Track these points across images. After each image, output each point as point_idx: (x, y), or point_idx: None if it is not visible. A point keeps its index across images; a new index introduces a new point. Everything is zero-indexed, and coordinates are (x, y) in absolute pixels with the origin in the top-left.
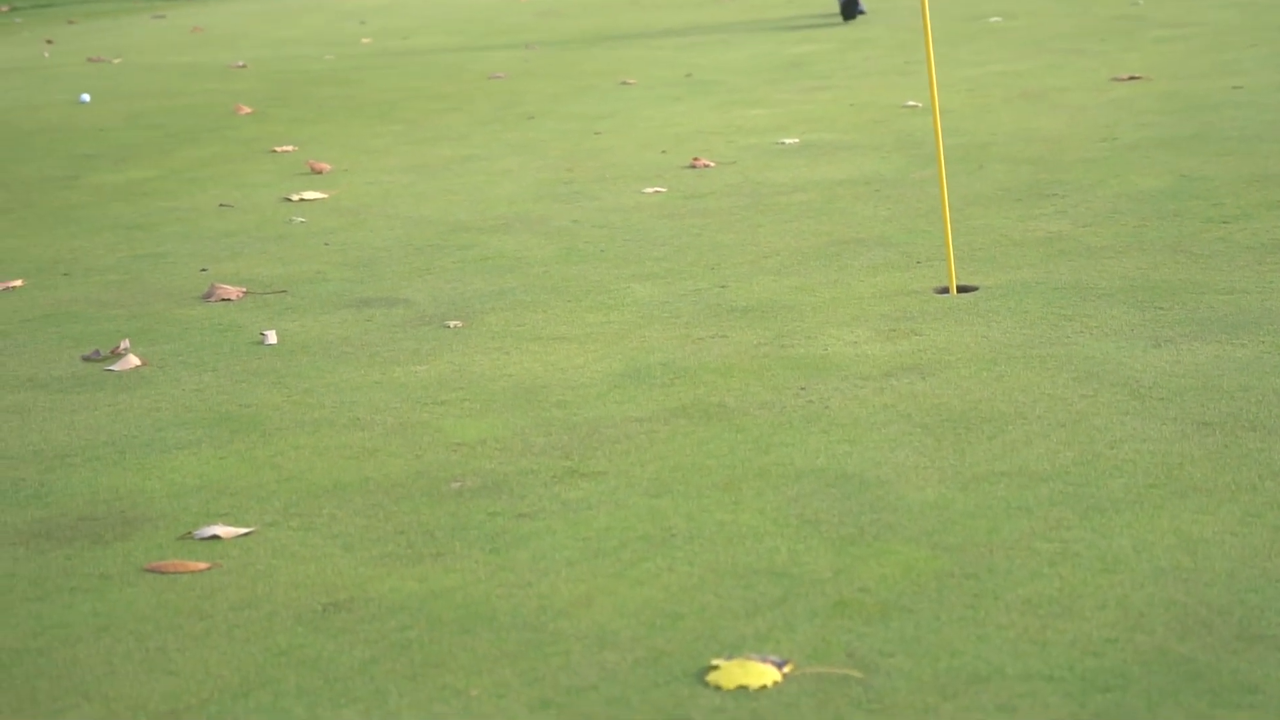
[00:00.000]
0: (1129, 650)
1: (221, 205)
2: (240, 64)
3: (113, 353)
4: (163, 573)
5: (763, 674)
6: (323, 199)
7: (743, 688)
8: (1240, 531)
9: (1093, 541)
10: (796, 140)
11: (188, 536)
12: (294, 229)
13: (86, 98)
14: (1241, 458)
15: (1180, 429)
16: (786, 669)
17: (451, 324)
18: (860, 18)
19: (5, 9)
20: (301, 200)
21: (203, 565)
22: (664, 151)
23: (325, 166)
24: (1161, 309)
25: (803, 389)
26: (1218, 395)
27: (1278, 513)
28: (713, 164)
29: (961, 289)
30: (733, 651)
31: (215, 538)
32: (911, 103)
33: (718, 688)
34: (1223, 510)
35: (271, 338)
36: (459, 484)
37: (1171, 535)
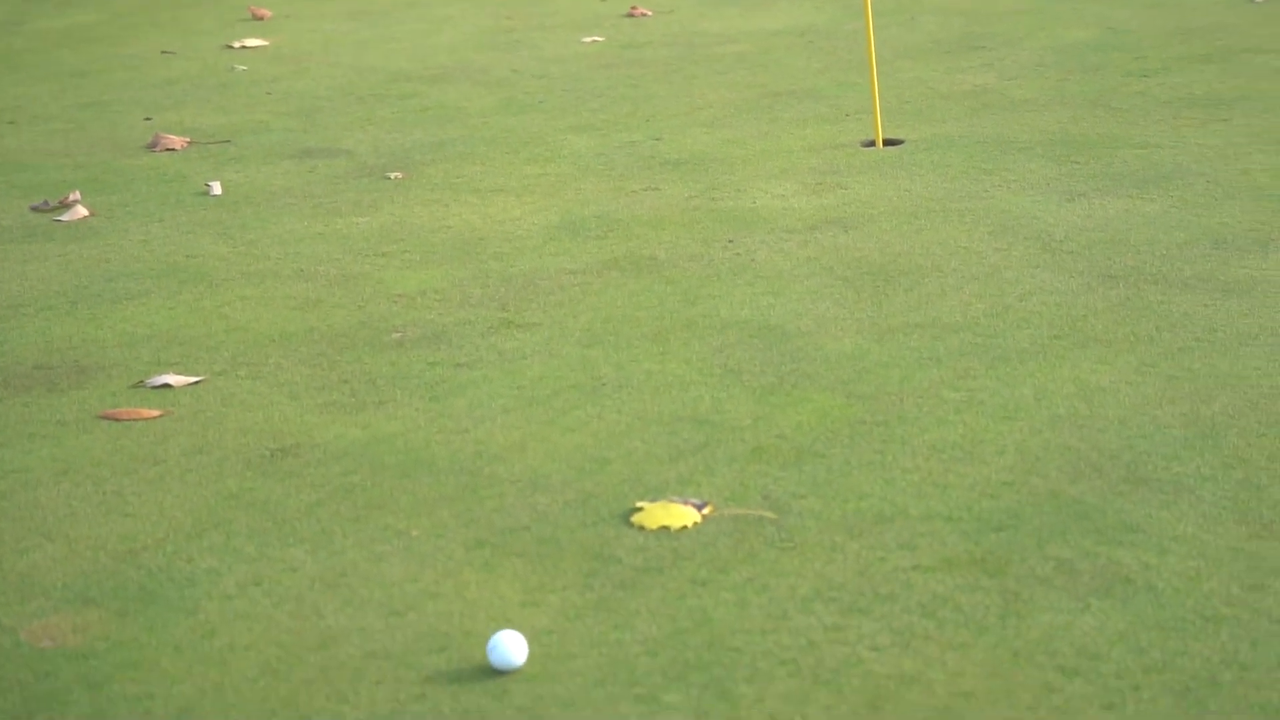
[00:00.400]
0: (1024, 492)
1: (164, 52)
2: None
3: (61, 203)
4: (117, 420)
5: (683, 515)
6: (264, 46)
7: (665, 528)
8: (1135, 381)
9: (997, 390)
10: None
11: (140, 385)
12: (236, 77)
13: None
14: (1142, 310)
15: (1086, 282)
16: (706, 510)
17: (392, 175)
18: None
19: None
20: (243, 48)
21: (155, 412)
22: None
23: (266, 13)
24: (1077, 163)
25: (731, 242)
26: (1124, 249)
27: (1171, 363)
28: (650, 13)
29: (888, 142)
30: (656, 494)
31: (167, 386)
32: None
33: (641, 528)
34: (1120, 360)
35: (216, 188)
36: (400, 334)
37: (1071, 384)
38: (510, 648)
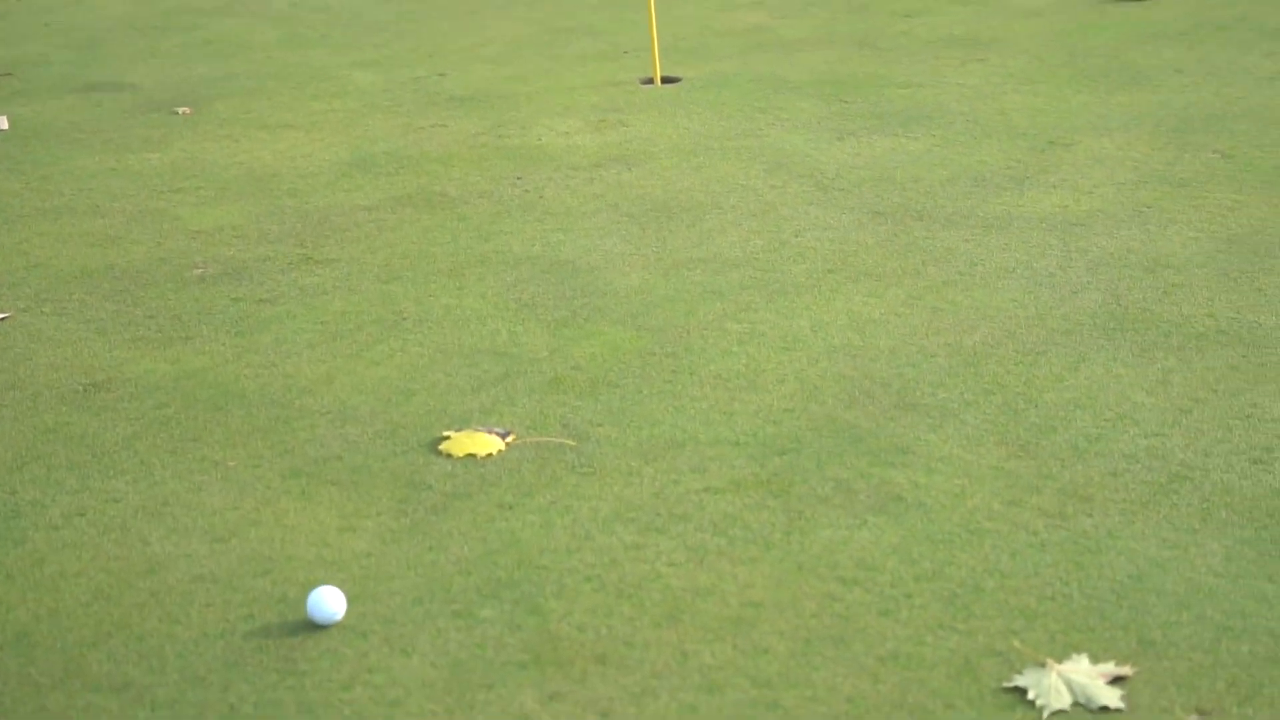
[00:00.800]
0: (803, 418)
1: None
2: None
3: None
4: None
5: (488, 443)
6: None
7: (471, 455)
8: (903, 312)
9: (776, 322)
10: None
11: None
12: (12, 7)
13: None
14: (908, 245)
15: (857, 218)
16: (510, 439)
17: (180, 110)
18: None
19: None
20: None
21: None
22: None
23: None
24: (846, 102)
25: (519, 178)
26: (891, 186)
27: (936, 295)
28: None
29: (665, 80)
30: (461, 424)
31: None
32: None
33: (449, 455)
34: (889, 293)
35: (3, 123)
36: (201, 270)
37: (844, 316)
38: (329, 602)
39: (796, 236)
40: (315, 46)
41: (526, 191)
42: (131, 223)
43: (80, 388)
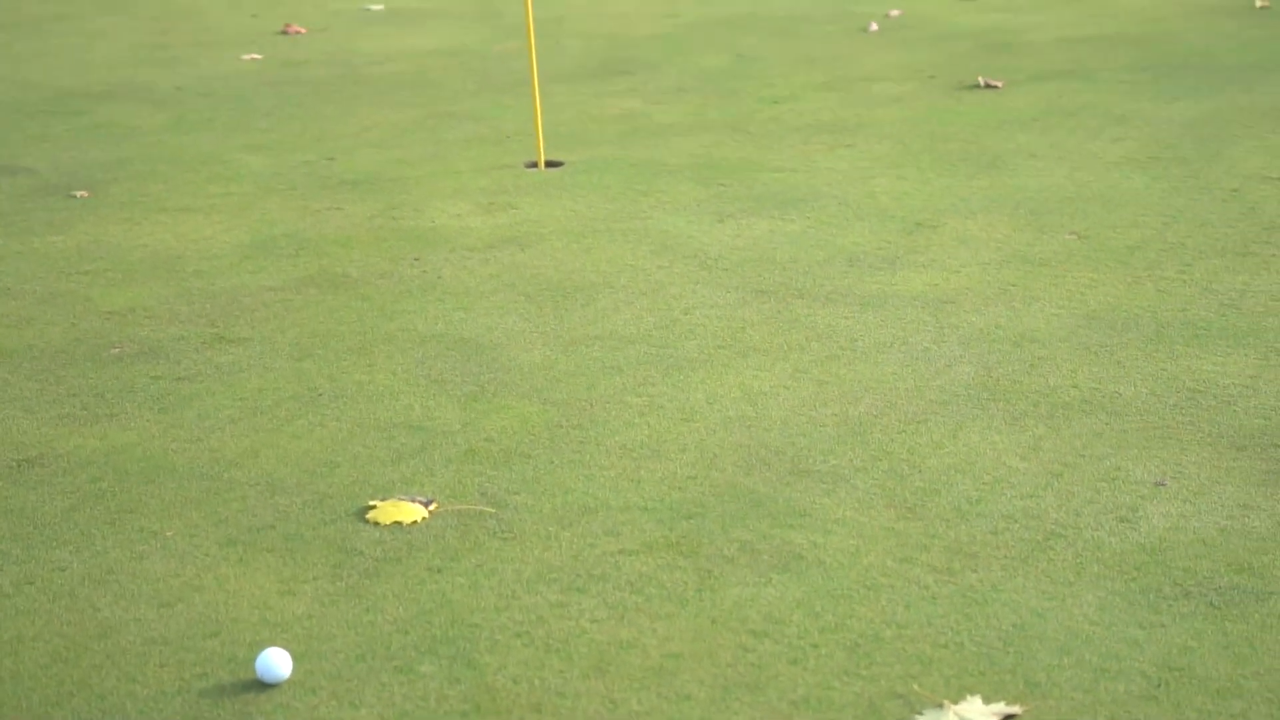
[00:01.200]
0: (706, 484)
1: None
2: None
3: None
4: None
5: (413, 511)
6: None
7: (398, 523)
8: (791, 385)
9: (673, 395)
10: (382, 7)
11: None
12: None
13: None
14: (792, 322)
15: (741, 296)
16: (432, 507)
17: (78, 194)
18: None
19: None
20: None
21: None
22: (255, 15)
23: None
24: (723, 185)
25: (416, 259)
26: (772, 266)
27: (821, 369)
28: (304, 30)
29: (549, 164)
30: (385, 494)
31: None
32: None
33: (377, 524)
34: (777, 367)
35: None
36: (118, 350)
37: (737, 389)
38: (276, 663)
39: (686, 314)
40: (203, 130)
41: (425, 272)
42: (44, 304)
43: (14, 463)
